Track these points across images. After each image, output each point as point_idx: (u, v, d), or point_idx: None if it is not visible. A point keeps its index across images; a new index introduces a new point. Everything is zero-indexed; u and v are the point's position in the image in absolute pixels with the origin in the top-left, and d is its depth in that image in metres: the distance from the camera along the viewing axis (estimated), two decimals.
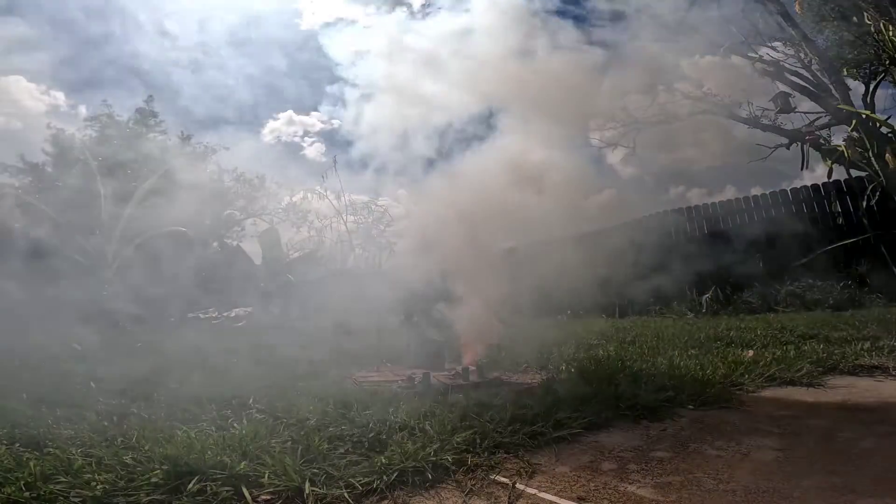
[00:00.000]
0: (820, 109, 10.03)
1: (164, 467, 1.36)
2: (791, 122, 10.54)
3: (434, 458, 1.53)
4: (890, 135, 8.58)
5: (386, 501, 1.34)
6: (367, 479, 1.40)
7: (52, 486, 1.27)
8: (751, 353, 3.62)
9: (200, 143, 14.20)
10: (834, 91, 9.46)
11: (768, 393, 2.68)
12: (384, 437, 1.71)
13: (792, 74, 10.64)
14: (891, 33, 8.00)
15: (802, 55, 10.25)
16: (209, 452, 1.46)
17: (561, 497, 1.36)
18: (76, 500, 1.23)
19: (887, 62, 8.57)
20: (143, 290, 8.64)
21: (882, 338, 4.07)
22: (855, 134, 8.84)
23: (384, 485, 1.39)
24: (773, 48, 11.53)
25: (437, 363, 3.55)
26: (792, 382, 2.86)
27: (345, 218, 11.17)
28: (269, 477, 1.36)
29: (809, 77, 10.42)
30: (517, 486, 1.42)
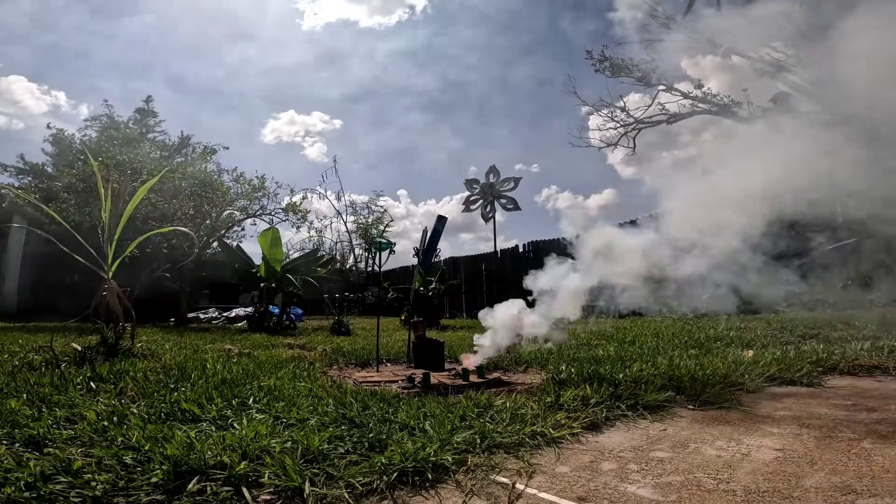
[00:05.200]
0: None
1: (164, 467, 1.36)
2: None
3: (434, 458, 1.53)
4: None
5: (386, 501, 1.34)
6: (367, 479, 1.40)
7: (52, 486, 1.27)
8: (751, 353, 3.62)
9: (200, 142, 14.20)
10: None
11: (768, 393, 2.68)
12: (384, 437, 1.71)
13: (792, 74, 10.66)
14: None
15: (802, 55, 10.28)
16: (209, 452, 1.46)
17: (561, 497, 1.36)
18: (76, 500, 1.23)
19: None
20: (142, 290, 8.63)
21: (882, 338, 4.07)
22: None
23: (384, 485, 1.39)
24: (773, 48, 11.54)
25: (437, 363, 3.55)
26: (792, 382, 2.87)
27: (345, 218, 11.18)
28: (269, 477, 1.36)
29: (810, 77, 10.43)
30: (517, 486, 1.42)
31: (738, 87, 13.57)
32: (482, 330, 4.03)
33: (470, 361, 3.48)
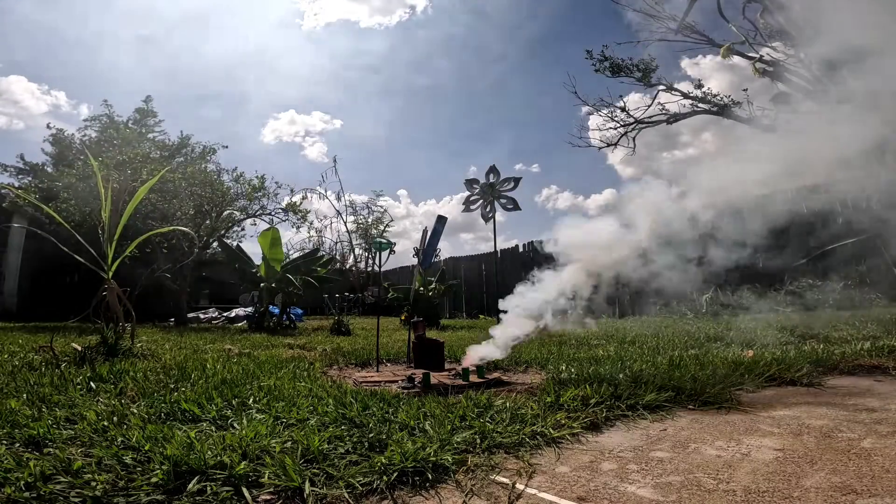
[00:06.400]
0: None
1: (164, 467, 1.36)
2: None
3: (434, 458, 1.53)
4: None
5: (386, 501, 1.34)
6: (367, 479, 1.40)
7: (52, 486, 1.27)
8: (751, 353, 3.62)
9: (199, 142, 14.18)
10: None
11: (768, 393, 2.68)
12: (384, 437, 1.71)
13: (792, 74, 10.67)
14: None
15: (802, 55, 10.30)
16: (209, 452, 1.46)
17: (561, 497, 1.36)
18: (76, 500, 1.23)
19: None
20: (143, 290, 8.64)
21: (882, 338, 4.07)
22: None
23: (384, 485, 1.39)
24: (773, 48, 11.55)
25: (437, 363, 3.55)
26: (792, 382, 2.87)
27: (345, 218, 11.19)
28: (269, 477, 1.36)
29: (809, 77, 10.45)
30: (517, 486, 1.42)
31: (739, 88, 13.59)
32: (482, 330, 4.03)
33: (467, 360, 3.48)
